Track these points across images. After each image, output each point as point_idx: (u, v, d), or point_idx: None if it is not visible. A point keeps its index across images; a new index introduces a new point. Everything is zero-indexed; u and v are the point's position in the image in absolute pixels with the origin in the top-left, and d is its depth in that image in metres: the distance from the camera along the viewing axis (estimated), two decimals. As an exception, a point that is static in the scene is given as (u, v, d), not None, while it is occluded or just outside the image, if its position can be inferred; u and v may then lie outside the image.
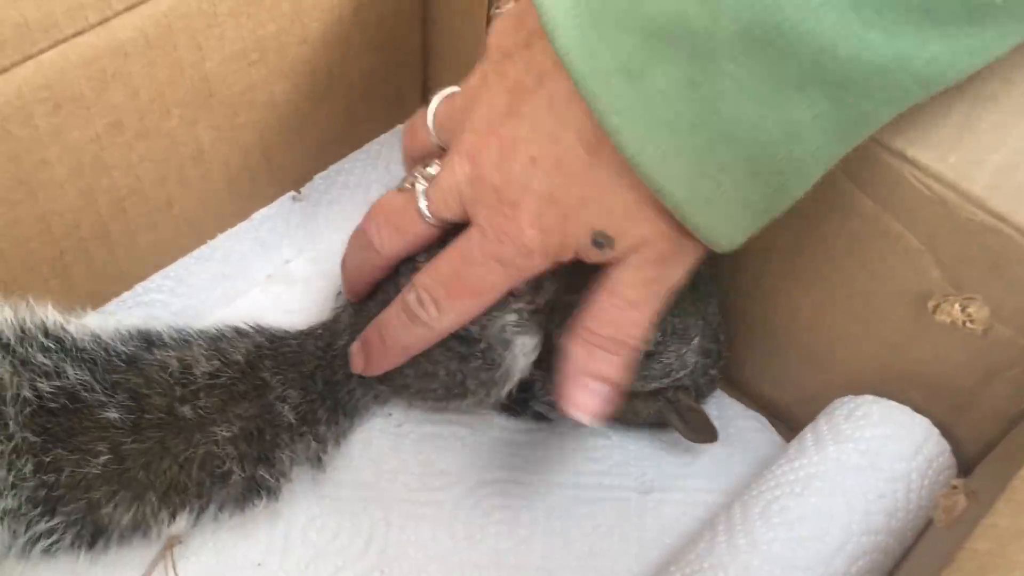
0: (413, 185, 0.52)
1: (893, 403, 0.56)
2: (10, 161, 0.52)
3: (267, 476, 0.58)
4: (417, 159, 0.55)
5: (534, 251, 0.47)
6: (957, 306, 0.50)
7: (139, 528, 0.57)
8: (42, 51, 0.49)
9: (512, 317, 0.55)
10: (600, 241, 0.46)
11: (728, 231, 0.44)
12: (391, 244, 0.54)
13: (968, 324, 0.50)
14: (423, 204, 0.51)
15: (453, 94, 0.52)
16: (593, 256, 0.48)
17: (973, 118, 0.47)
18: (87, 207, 0.58)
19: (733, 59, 0.39)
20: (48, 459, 0.54)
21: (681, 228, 0.45)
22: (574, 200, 0.45)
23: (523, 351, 0.56)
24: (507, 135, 0.46)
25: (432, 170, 0.51)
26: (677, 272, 0.48)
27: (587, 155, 0.44)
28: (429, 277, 0.52)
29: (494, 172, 0.47)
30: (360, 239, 0.56)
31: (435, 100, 0.53)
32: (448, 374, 0.59)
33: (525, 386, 0.62)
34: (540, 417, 0.65)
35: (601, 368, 0.49)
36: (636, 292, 0.48)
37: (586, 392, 0.50)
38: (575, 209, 0.46)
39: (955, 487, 0.46)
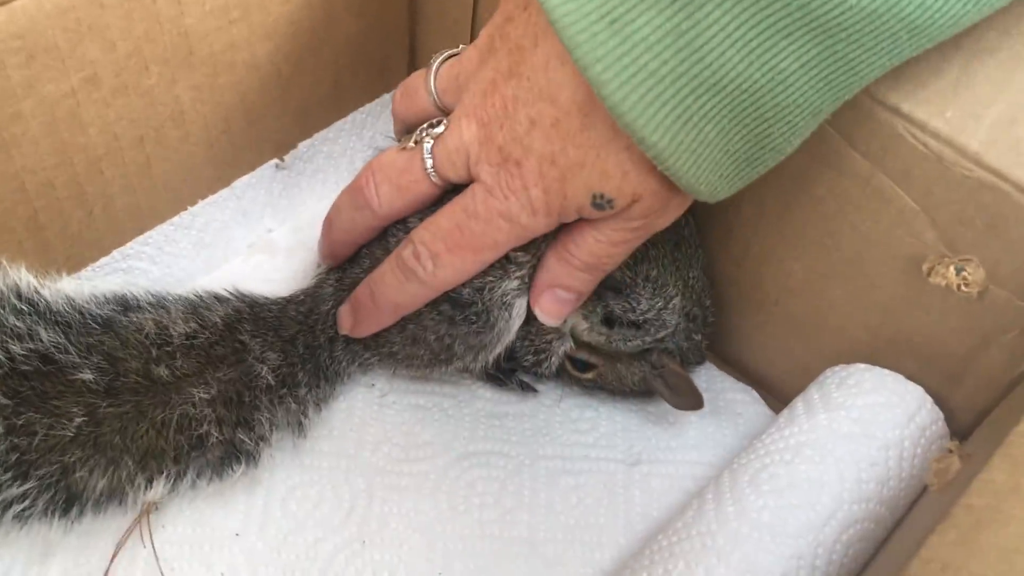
0: (419, 143, 0.51)
1: (886, 371, 0.55)
2: (-18, 114, 0.51)
3: (246, 439, 0.57)
4: (411, 123, 0.54)
5: (539, 210, 0.47)
6: (952, 268, 0.49)
7: (115, 495, 0.55)
8: (14, -3, 0.48)
9: (515, 284, 0.55)
10: (600, 203, 0.46)
11: (711, 181, 0.44)
12: (390, 203, 0.53)
13: (963, 287, 0.49)
14: (429, 163, 0.50)
15: (458, 56, 0.52)
16: (594, 216, 0.48)
17: (970, 72, 0.46)
18: (62, 165, 0.56)
19: (719, 5, 0.38)
20: (20, 422, 0.53)
21: (671, 184, 0.44)
22: (571, 162, 0.45)
23: (518, 313, 0.56)
24: (509, 95, 0.46)
25: (440, 129, 0.50)
26: (662, 222, 0.49)
27: (581, 116, 0.44)
28: (428, 231, 0.51)
29: (499, 132, 0.46)
30: (355, 198, 0.55)
31: (436, 61, 0.52)
32: (437, 339, 0.57)
33: (510, 354, 0.61)
34: (526, 387, 0.64)
35: (573, 283, 0.53)
36: (620, 235, 0.49)
37: (555, 300, 0.54)
38: (573, 171, 0.45)
39: (950, 450, 0.45)
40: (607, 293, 0.56)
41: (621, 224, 0.48)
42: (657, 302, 0.56)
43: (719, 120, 0.41)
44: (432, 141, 0.50)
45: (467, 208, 0.49)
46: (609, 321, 0.57)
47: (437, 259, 0.51)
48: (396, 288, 0.54)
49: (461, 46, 0.52)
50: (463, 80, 0.50)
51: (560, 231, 0.51)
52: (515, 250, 0.52)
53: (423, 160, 0.51)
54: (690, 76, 0.40)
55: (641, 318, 0.57)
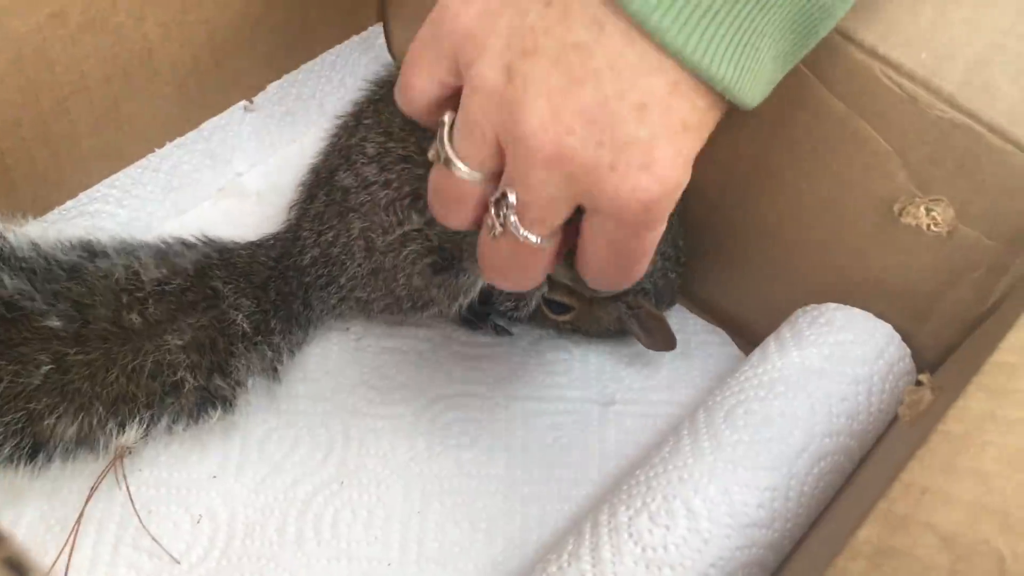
0: (504, 227, 0.42)
1: (856, 309, 0.56)
2: (-56, 49, 0.49)
3: (223, 385, 0.57)
4: (472, 224, 0.45)
5: (684, 183, 0.41)
6: (923, 208, 0.50)
7: (85, 441, 0.55)
8: (-22, -74, 0.46)
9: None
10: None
11: (761, 89, 0.42)
12: (533, 279, 0.46)
13: (932, 227, 0.50)
14: (535, 238, 0.42)
15: (466, 122, 0.41)
16: None
17: (945, 13, 0.47)
18: (28, 104, 0.55)
19: None
20: None
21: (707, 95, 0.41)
22: (702, 107, 0.40)
23: None
24: (592, 101, 0.38)
25: (512, 199, 0.41)
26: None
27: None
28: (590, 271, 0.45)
29: (599, 151, 0.39)
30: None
31: (446, 143, 0.42)
32: (414, 287, 0.58)
33: (485, 297, 0.61)
34: (500, 331, 0.64)
35: None
36: None
37: None
38: (705, 112, 0.40)
39: (921, 382, 0.46)
40: None
41: None
42: None
43: (771, 33, 0.39)
44: (515, 216, 0.41)
45: (607, 240, 0.43)
46: None
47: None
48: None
49: (446, 115, 0.42)
50: (503, 130, 0.40)
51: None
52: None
53: (521, 237, 0.42)
54: (743, 3, 0.38)
55: None
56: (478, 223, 0.44)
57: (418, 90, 0.43)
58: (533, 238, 0.42)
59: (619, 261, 0.44)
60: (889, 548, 0.33)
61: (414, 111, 0.44)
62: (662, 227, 0.42)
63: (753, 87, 0.41)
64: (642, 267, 0.45)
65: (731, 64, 0.39)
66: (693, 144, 0.40)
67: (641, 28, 0.37)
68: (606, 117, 0.38)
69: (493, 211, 0.42)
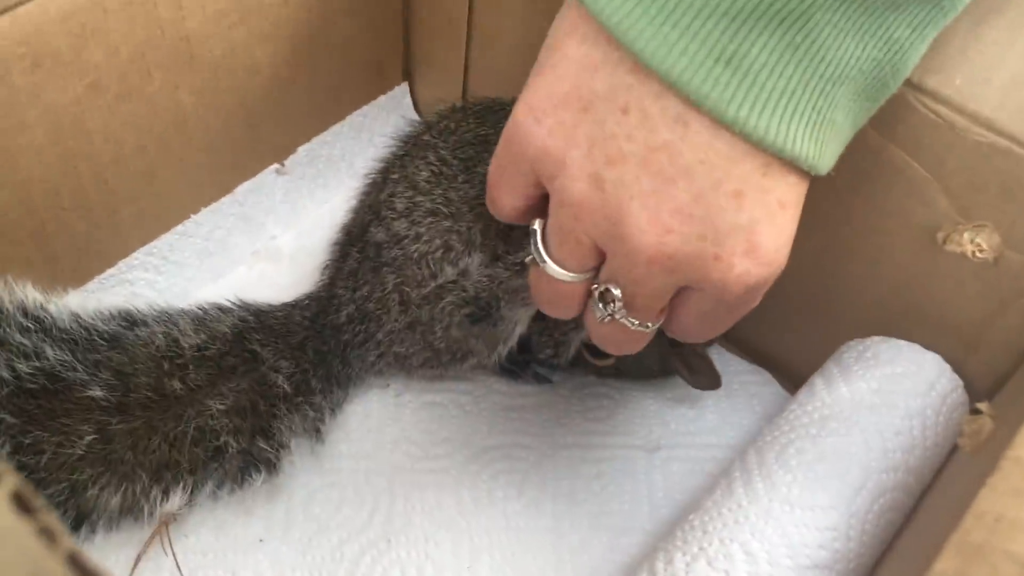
0: (613, 315, 0.43)
1: (903, 342, 0.55)
2: (-12, 124, 0.50)
3: (266, 447, 0.56)
4: (578, 312, 0.46)
5: (785, 259, 0.42)
6: (967, 235, 0.50)
7: (129, 510, 0.55)
8: (19, 3, 0.47)
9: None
10: None
11: (837, 152, 0.42)
12: (639, 346, 0.47)
13: (978, 254, 0.50)
14: (636, 324, 0.43)
15: (559, 230, 0.42)
16: None
17: (977, 35, 0.47)
18: (68, 175, 0.55)
19: (827, 7, 0.37)
20: (28, 441, 0.52)
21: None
22: (793, 181, 0.40)
23: (528, 301, 0.55)
24: (692, 195, 0.38)
25: (617, 293, 0.42)
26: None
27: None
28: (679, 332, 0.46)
29: (701, 243, 0.39)
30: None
31: (540, 252, 0.43)
32: (452, 339, 0.57)
33: (523, 345, 0.61)
34: (541, 379, 0.64)
35: None
36: None
37: None
38: (797, 185, 0.40)
39: (980, 411, 0.45)
40: None
41: None
42: None
43: (845, 104, 0.40)
44: (622, 306, 0.42)
45: (706, 313, 0.43)
46: None
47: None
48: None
49: (536, 223, 0.43)
50: (599, 235, 0.40)
51: None
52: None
53: (632, 324, 0.43)
54: (815, 80, 0.38)
55: None
56: (583, 309, 0.45)
57: (507, 206, 0.44)
58: (638, 325, 0.43)
59: (708, 327, 0.44)
60: (968, 580, 0.32)
61: (508, 220, 0.45)
62: (757, 302, 0.43)
63: (832, 155, 0.41)
64: (725, 329, 0.45)
65: (812, 141, 0.39)
66: (792, 220, 0.40)
67: (721, 121, 0.37)
68: (703, 210, 0.38)
69: (600, 304, 0.43)
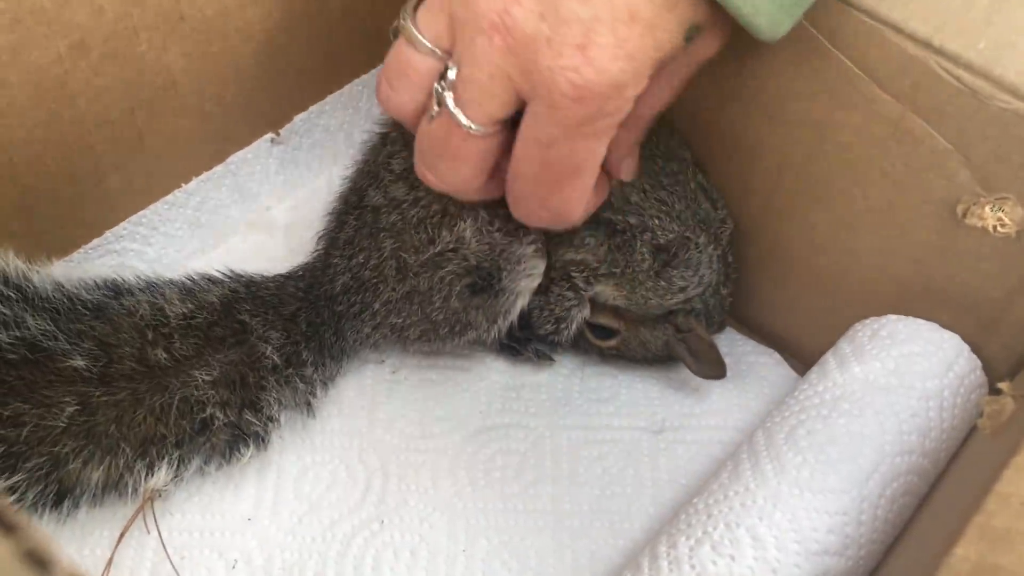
0: (441, 104, 0.44)
1: (919, 320, 0.53)
2: (-34, 82, 0.48)
3: (254, 421, 0.54)
4: (412, 112, 0.47)
5: (626, 84, 0.40)
6: (988, 208, 0.47)
7: (112, 485, 0.53)
8: (-3, -45, 0.45)
9: (530, 249, 0.53)
10: (691, 35, 0.41)
11: (767, 9, 0.41)
12: (461, 177, 0.47)
13: (1000, 228, 0.47)
14: (463, 119, 0.44)
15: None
16: (678, 54, 0.42)
17: (1003, -2, 0.45)
18: (51, 139, 0.53)
19: None
20: (7, 413, 0.51)
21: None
22: (660, 2, 0.39)
23: (534, 274, 0.55)
24: None
25: (452, 74, 0.43)
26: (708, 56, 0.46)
27: None
28: (513, 194, 0.47)
29: (540, 24, 0.39)
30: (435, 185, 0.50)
31: (408, 13, 0.45)
32: (451, 309, 0.56)
33: (525, 322, 0.58)
34: (541, 356, 0.61)
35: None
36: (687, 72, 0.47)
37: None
38: (665, 10, 0.40)
39: (1000, 390, 0.43)
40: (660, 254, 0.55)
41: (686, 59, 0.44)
42: (698, 251, 0.55)
43: None
44: (451, 92, 0.43)
45: (539, 139, 0.43)
46: (661, 250, 0.55)
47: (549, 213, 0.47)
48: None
49: None
50: (458, 5, 0.42)
51: None
52: None
53: (454, 118, 0.44)
54: None
55: (683, 279, 0.55)
56: (417, 112, 0.46)
57: None
58: (465, 120, 0.43)
59: (549, 171, 0.44)
60: (992, 565, 0.30)
61: None
62: (598, 144, 0.43)
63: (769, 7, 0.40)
64: (573, 197, 0.45)
65: None
66: (640, 42, 0.39)
67: None
68: None
69: (435, 87, 0.44)
